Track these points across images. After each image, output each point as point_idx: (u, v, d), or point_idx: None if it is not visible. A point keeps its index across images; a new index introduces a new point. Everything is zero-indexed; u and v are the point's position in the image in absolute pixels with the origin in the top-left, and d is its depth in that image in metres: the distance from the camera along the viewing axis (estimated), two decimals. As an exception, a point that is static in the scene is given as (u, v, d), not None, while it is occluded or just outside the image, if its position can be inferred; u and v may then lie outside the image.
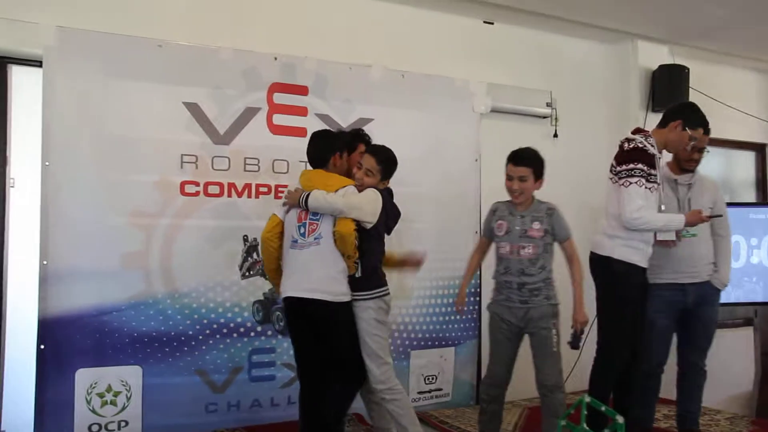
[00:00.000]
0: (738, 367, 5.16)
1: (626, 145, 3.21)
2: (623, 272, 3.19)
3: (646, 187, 3.10)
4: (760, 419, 4.22)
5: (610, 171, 3.26)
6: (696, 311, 3.46)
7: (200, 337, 3.57)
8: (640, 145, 3.16)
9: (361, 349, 2.96)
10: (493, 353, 3.23)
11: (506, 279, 3.14)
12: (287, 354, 3.63)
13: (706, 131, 3.32)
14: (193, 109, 3.60)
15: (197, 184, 3.58)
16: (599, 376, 3.30)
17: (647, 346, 3.39)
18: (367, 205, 2.91)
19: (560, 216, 3.17)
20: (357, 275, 2.95)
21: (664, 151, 3.29)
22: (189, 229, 3.55)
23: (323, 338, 2.95)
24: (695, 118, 3.27)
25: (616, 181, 3.17)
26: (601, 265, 3.25)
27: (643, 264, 3.24)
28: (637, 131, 3.29)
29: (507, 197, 3.26)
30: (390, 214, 3.04)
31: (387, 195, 3.05)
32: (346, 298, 2.92)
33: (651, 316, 3.37)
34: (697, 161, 3.48)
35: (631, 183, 3.09)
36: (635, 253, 3.19)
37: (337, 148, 3.08)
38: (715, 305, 3.52)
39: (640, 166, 3.10)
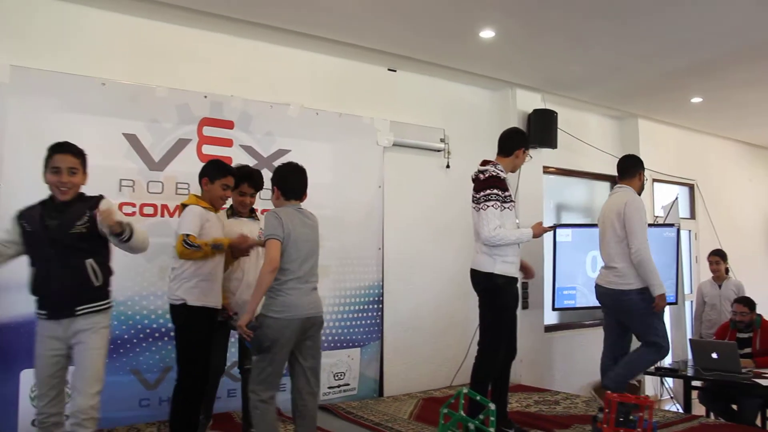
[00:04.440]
0: (594, 359, 6.07)
1: (481, 175, 3.82)
2: (503, 284, 3.78)
3: (501, 209, 3.71)
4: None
5: (473, 200, 3.85)
6: None
7: (135, 341, 4.01)
8: (494, 173, 3.79)
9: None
10: None
11: None
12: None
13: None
14: (132, 139, 4.07)
15: (134, 206, 4.04)
16: (481, 372, 3.81)
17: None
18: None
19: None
20: None
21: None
22: (126, 244, 4.00)
23: None
24: (526, 142, 4.02)
25: (478, 208, 3.77)
26: (485, 279, 3.79)
27: (518, 275, 3.88)
28: (486, 162, 3.88)
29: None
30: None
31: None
32: (177, 302, 3.35)
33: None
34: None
35: (488, 206, 3.70)
36: (511, 266, 3.81)
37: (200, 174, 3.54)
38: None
39: (495, 191, 3.71)
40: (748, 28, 4.48)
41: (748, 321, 5.06)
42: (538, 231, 3.88)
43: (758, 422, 4.64)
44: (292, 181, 3.29)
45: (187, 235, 3.30)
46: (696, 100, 6.37)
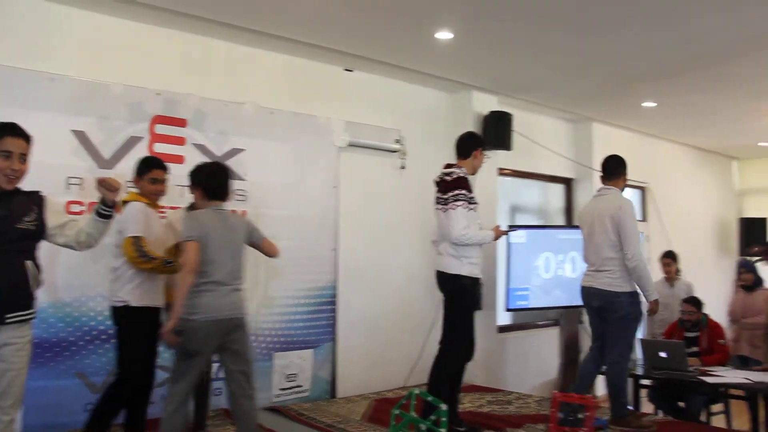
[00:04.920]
0: (547, 359, 6.20)
1: (447, 177, 3.86)
2: (469, 285, 3.82)
3: (468, 209, 3.77)
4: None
5: (438, 202, 3.88)
6: None
7: (81, 343, 3.91)
8: (461, 174, 3.85)
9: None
10: None
11: None
12: (161, 357, 4.03)
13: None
14: (81, 136, 3.97)
15: (82, 204, 3.93)
16: (442, 372, 3.82)
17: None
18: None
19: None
20: None
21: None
22: (73, 244, 3.90)
23: None
24: (482, 142, 4.10)
25: (446, 209, 3.78)
26: (452, 281, 3.81)
27: (481, 276, 3.91)
28: (449, 166, 3.94)
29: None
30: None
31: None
32: (119, 304, 3.35)
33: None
34: None
35: (457, 207, 3.74)
36: (476, 268, 3.84)
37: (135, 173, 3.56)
38: None
39: (463, 192, 3.77)
40: (699, 36, 4.58)
41: (695, 320, 5.18)
42: (497, 233, 3.97)
43: (703, 418, 4.76)
44: (215, 182, 3.23)
45: (138, 238, 3.24)
46: (648, 104, 6.52)
